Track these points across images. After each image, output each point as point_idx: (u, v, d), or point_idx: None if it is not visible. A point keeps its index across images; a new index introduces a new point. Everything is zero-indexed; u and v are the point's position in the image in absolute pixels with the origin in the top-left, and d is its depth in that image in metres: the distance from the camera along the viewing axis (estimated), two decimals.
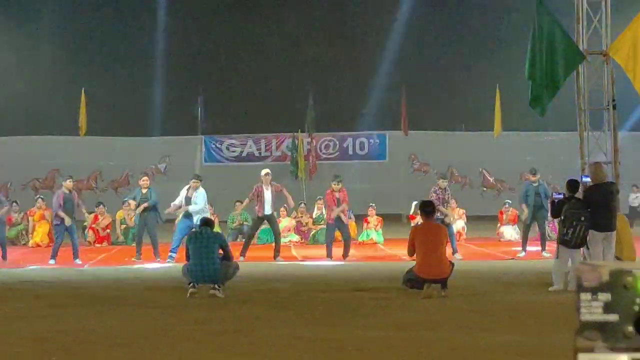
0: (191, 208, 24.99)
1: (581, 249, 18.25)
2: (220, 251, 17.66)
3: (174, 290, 18.03)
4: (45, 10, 46.23)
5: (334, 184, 26.28)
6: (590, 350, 1.11)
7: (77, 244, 25.82)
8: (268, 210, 25.91)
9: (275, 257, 25.59)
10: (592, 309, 1.12)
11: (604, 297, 1.11)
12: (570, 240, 18.00)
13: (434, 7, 48.65)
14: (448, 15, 48.90)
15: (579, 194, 19.14)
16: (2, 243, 25.85)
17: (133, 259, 25.38)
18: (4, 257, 25.66)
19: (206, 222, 18.86)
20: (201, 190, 25.32)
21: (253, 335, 13.26)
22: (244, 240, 28.54)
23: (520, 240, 27.93)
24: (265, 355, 11.64)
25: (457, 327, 13.80)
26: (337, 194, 25.93)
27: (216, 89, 45.55)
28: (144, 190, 25.74)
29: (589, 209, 18.41)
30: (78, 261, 24.97)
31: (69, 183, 25.97)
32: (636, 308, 1.10)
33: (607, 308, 1.12)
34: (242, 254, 25.43)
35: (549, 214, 24.27)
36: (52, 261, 24.84)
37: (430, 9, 48.51)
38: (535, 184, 27.39)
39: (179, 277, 18.11)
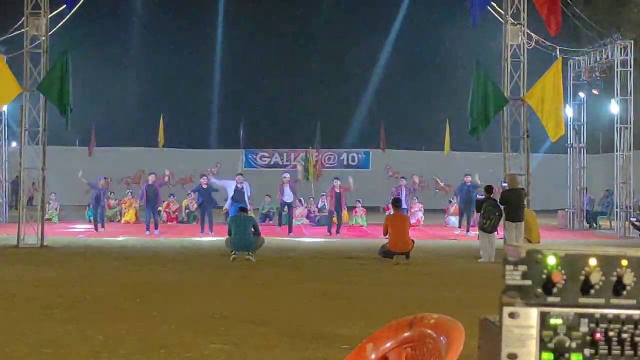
0: (246, 195, 25.69)
1: (494, 233, 18.54)
2: (252, 229, 17.80)
3: (221, 256, 18.03)
4: (132, 49, 46.18)
5: (335, 182, 26.94)
6: (512, 304, 1.12)
7: (158, 220, 26.13)
8: (287, 198, 26.59)
9: (289, 232, 25.89)
10: (513, 276, 1.13)
11: (522, 268, 1.12)
12: (487, 228, 18.50)
13: (404, 61, 48.63)
14: (414, 67, 48.80)
15: (495, 195, 19.44)
16: (103, 219, 26.42)
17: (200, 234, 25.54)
18: (103, 226, 26.42)
19: (242, 209, 19.51)
20: (246, 182, 26.18)
21: (275, 287, 13.28)
22: (270, 222, 29.20)
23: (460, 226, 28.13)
24: (284, 302, 11.64)
25: (416, 285, 13.81)
26: (336, 189, 26.47)
27: (254, 117, 45.50)
28: (204, 186, 25.99)
29: (503, 206, 18.65)
30: (157, 232, 25.06)
31: (152, 177, 26.45)
32: (543, 276, 1.10)
33: (524, 276, 1.12)
34: (289, 229, 26.40)
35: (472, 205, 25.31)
36: (147, 232, 25.01)
37: (401, 62, 48.54)
38: (468, 184, 27.64)
39: (224, 247, 18.12)
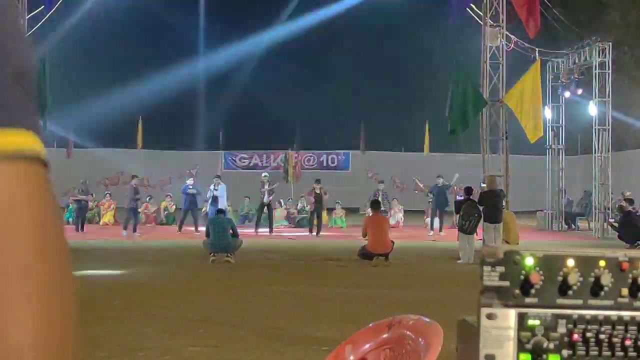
0: (220, 199, 25.79)
1: (473, 234, 18.60)
2: (230, 231, 17.79)
3: (200, 257, 17.99)
4: (111, 50, 46.00)
5: (315, 185, 26.97)
6: (490, 305, 1.12)
7: (138, 222, 26.24)
8: (265, 199, 26.72)
9: (270, 231, 25.98)
10: (491, 277, 1.13)
11: (500, 269, 1.12)
12: (467, 229, 18.53)
13: (383, 62, 48.75)
14: (394, 68, 48.93)
15: (474, 196, 19.52)
16: (83, 221, 26.73)
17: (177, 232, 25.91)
18: (82, 229, 26.73)
19: (220, 211, 19.75)
20: (223, 185, 26.25)
21: (255, 289, 13.25)
22: (249, 223, 29.23)
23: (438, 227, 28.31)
24: (263, 304, 11.63)
25: (396, 287, 13.82)
26: (317, 190, 26.55)
27: (232, 120, 45.46)
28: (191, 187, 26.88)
29: (482, 207, 18.74)
30: (137, 234, 25.10)
31: (135, 181, 26.68)
32: (521, 278, 1.11)
33: (502, 277, 1.12)
34: (270, 229, 26.63)
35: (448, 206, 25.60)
36: (124, 233, 25.08)
37: (380, 63, 48.65)
38: (439, 185, 27.90)
39: (203, 249, 18.10)
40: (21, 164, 0.70)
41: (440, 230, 27.46)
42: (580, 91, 29.91)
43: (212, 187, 26.48)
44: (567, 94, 30.91)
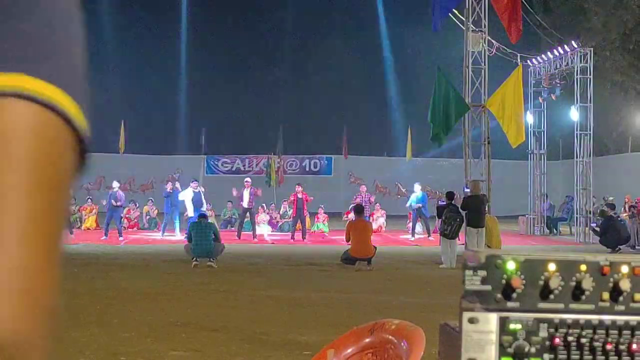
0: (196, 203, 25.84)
1: (456, 238, 18.65)
2: (213, 235, 17.75)
3: (182, 262, 17.95)
4: (93, 54, 45.95)
5: (297, 188, 27.03)
6: (472, 309, 1.12)
7: (120, 227, 26.17)
8: (245, 204, 26.47)
9: (253, 237, 25.90)
10: (473, 281, 1.13)
11: (482, 273, 1.13)
12: (449, 234, 18.58)
13: (366, 67, 48.87)
14: (376, 73, 49.06)
15: (456, 201, 19.60)
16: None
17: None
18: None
19: (203, 215, 19.49)
20: (200, 190, 26.41)
21: (238, 294, 13.24)
22: (232, 228, 29.15)
23: (425, 232, 28.35)
24: (246, 309, 11.62)
25: (378, 291, 13.84)
26: (299, 195, 26.50)
27: (215, 124, 45.40)
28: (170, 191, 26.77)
29: (465, 212, 18.81)
30: (121, 238, 25.03)
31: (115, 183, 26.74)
32: (503, 282, 1.11)
33: (483, 281, 1.13)
34: (253, 234, 26.34)
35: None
36: (104, 237, 25.02)
37: (363, 68, 48.76)
38: (418, 194, 27.99)
39: (185, 254, 18.05)
40: (34, 106, 0.72)
41: (429, 234, 27.47)
42: (554, 96, 30.05)
43: (191, 191, 26.40)
44: (540, 99, 31.07)
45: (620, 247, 23.01)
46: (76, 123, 0.76)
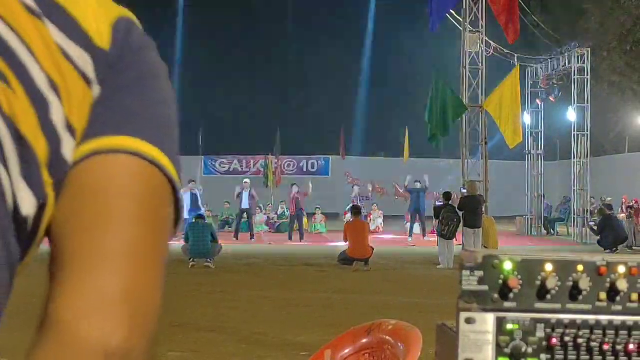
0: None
1: (453, 239, 18.67)
2: (210, 236, 17.75)
3: (179, 262, 17.92)
4: None
5: (293, 188, 27.15)
6: (469, 310, 1.12)
7: None
8: (245, 205, 26.34)
9: (250, 238, 25.90)
10: (470, 282, 1.13)
11: (479, 273, 1.13)
12: (446, 235, 18.59)
13: (363, 68, 48.90)
14: (374, 74, 49.08)
15: (453, 202, 19.62)
16: None
17: None
18: None
19: (200, 216, 19.44)
20: (197, 191, 26.34)
21: (235, 294, 13.24)
22: (229, 229, 29.14)
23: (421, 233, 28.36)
24: (243, 309, 11.62)
25: (375, 292, 13.84)
26: (296, 194, 26.60)
27: (213, 124, 45.37)
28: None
29: (462, 212, 18.82)
30: None
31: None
32: (500, 282, 1.11)
33: (480, 281, 1.13)
34: (251, 235, 26.38)
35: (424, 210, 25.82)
36: None
37: (360, 69, 48.78)
38: (417, 188, 28.06)
39: (182, 254, 18.01)
40: (148, 166, 0.90)
41: (424, 235, 27.47)
42: (552, 98, 30.08)
43: (189, 192, 26.18)
44: (538, 101, 31.11)
45: (618, 248, 23.02)
46: (172, 177, 0.93)
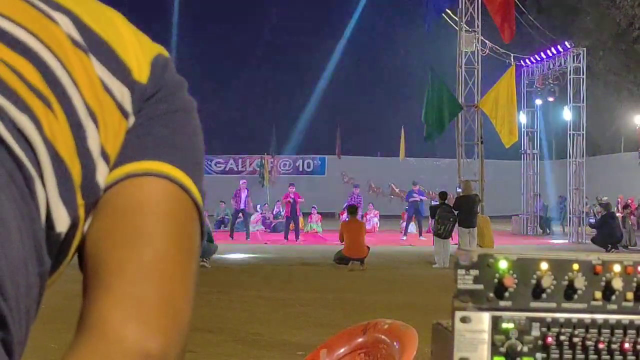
0: None
1: (449, 238, 18.67)
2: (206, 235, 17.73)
3: None
4: None
5: (290, 188, 27.14)
6: (464, 309, 1.12)
7: None
8: (242, 205, 26.35)
9: (246, 237, 25.92)
10: (465, 281, 1.13)
11: (474, 272, 1.13)
12: (442, 234, 18.61)
13: (359, 67, 48.90)
14: (370, 74, 49.10)
15: (449, 201, 19.64)
16: None
17: None
18: None
19: None
20: None
21: (231, 294, 13.23)
22: (225, 228, 29.18)
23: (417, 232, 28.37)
24: (238, 309, 11.61)
25: (371, 291, 13.85)
26: (291, 194, 26.63)
27: (208, 124, 45.40)
28: None
29: (457, 212, 18.83)
30: None
31: None
32: (495, 281, 1.11)
33: (476, 280, 1.13)
34: (247, 235, 26.38)
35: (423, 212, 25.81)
36: None
37: (356, 69, 48.79)
38: (415, 192, 28.05)
39: None
40: (178, 189, 0.96)
41: (420, 234, 27.52)
42: (551, 98, 30.09)
43: None
44: (538, 102, 31.13)
45: (614, 246, 23.03)
46: (197, 201, 0.99)
